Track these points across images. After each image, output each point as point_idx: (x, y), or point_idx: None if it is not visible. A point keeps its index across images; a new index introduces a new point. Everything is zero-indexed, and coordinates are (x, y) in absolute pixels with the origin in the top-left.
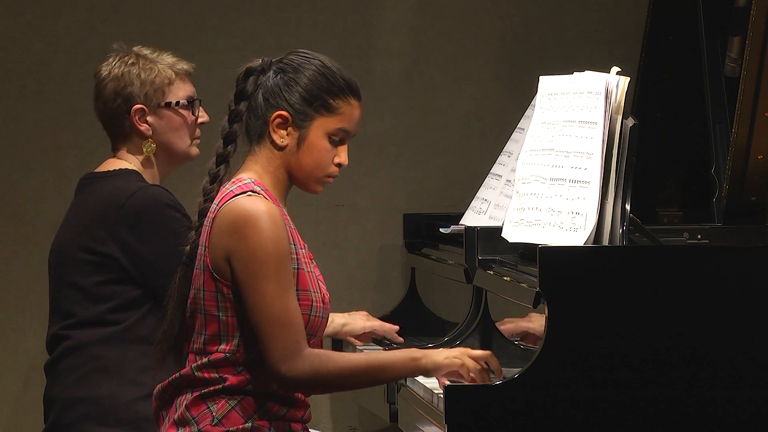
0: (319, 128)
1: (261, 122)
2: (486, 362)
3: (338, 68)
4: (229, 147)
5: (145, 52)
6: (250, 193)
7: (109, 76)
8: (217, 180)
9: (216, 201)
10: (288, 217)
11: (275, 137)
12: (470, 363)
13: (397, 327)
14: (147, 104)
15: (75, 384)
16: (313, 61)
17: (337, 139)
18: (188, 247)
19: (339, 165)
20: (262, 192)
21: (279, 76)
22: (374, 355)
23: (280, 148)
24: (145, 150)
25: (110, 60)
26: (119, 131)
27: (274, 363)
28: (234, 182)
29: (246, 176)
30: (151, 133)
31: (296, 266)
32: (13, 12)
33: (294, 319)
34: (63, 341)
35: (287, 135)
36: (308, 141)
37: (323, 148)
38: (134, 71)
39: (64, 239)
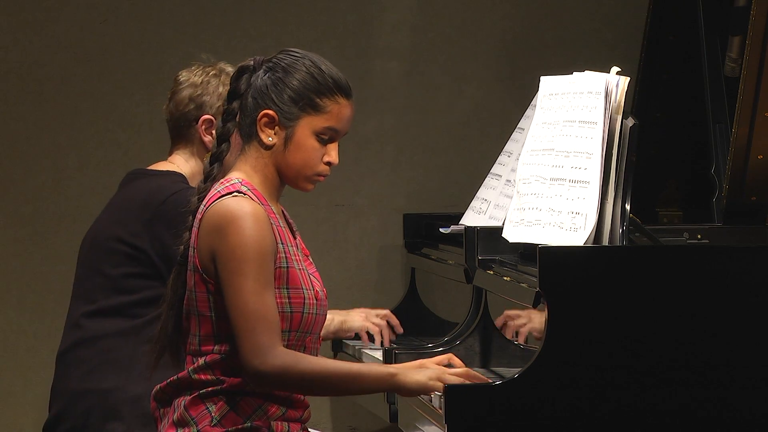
0: (306, 127)
1: (250, 121)
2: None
3: (328, 67)
4: (223, 146)
5: (230, 69)
6: (236, 193)
7: (187, 82)
8: (210, 179)
9: (204, 202)
10: (276, 216)
11: (262, 136)
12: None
13: (387, 312)
14: (217, 117)
15: (84, 376)
16: (302, 60)
17: (325, 137)
18: (182, 247)
19: (329, 164)
20: (249, 192)
21: (267, 76)
22: (351, 364)
23: (268, 147)
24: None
25: (193, 68)
26: (182, 135)
27: (247, 357)
28: (222, 182)
29: (235, 176)
30: (212, 146)
31: (285, 265)
32: (13, 12)
33: (269, 316)
34: (77, 331)
35: (274, 134)
36: (295, 140)
37: (311, 147)
38: (214, 83)
39: (101, 227)
